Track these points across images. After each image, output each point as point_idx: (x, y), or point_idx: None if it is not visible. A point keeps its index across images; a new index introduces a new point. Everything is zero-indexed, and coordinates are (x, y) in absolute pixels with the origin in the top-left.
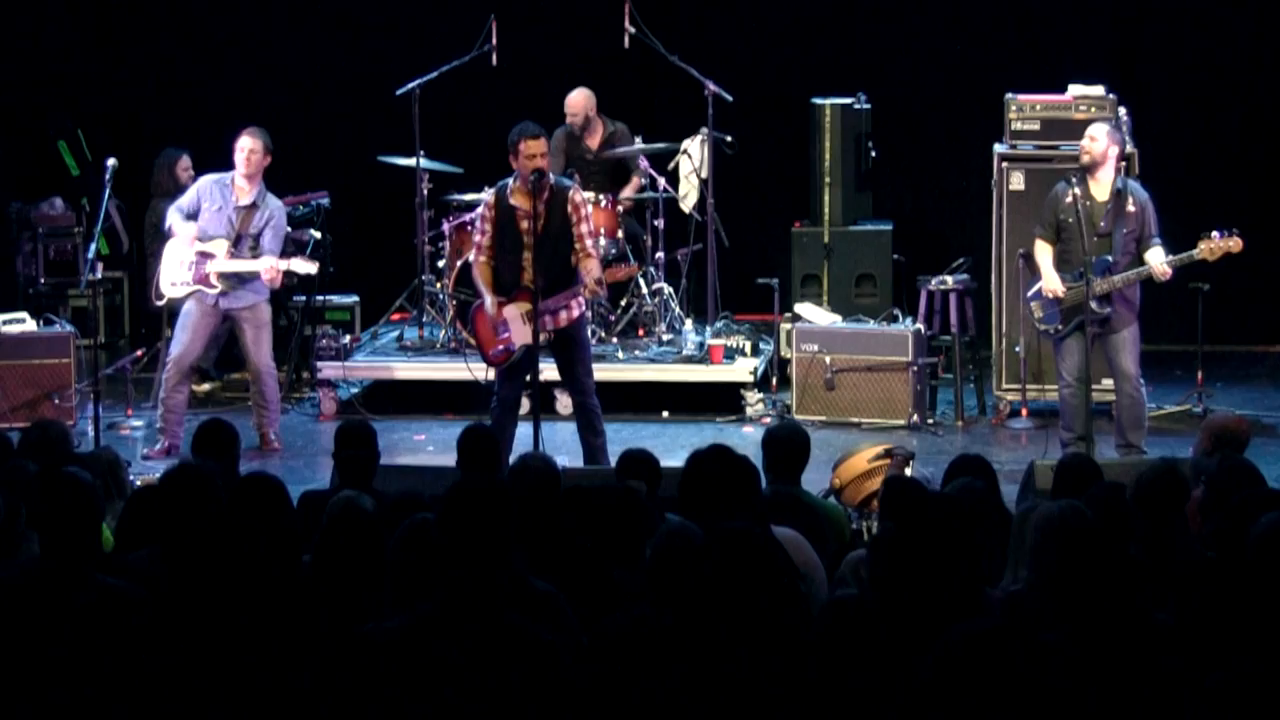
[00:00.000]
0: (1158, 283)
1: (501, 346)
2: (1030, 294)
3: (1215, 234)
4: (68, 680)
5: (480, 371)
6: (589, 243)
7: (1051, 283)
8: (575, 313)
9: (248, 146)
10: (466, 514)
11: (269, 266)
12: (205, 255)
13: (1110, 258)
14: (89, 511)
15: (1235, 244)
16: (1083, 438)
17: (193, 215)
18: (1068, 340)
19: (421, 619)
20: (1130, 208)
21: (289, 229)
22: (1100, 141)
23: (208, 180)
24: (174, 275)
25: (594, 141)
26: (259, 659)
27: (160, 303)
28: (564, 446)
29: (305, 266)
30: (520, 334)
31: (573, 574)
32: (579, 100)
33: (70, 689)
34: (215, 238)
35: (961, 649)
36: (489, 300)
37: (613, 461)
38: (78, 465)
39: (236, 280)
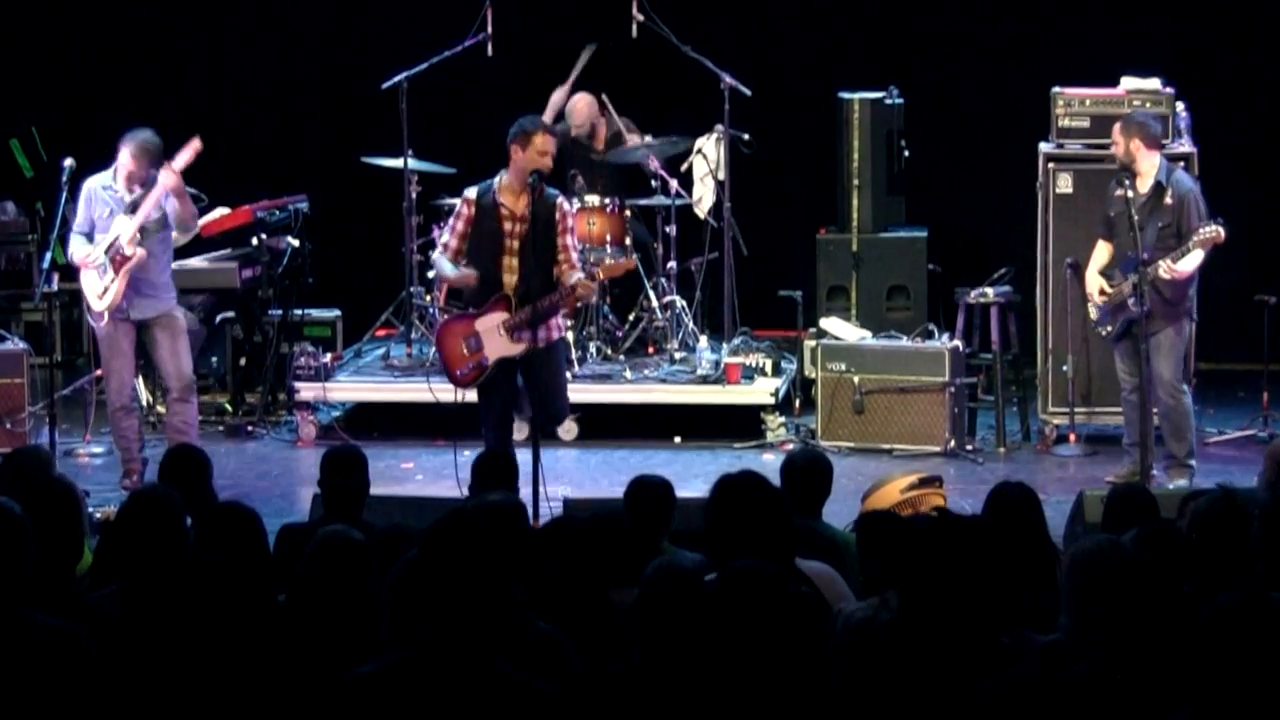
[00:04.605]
0: (1167, 282)
1: (473, 363)
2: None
3: (1207, 224)
4: None
5: (445, 393)
6: (574, 255)
7: (1090, 285)
8: (554, 335)
9: (126, 166)
10: (449, 550)
11: (164, 181)
12: (113, 241)
13: (1142, 254)
14: (16, 544)
15: (1216, 234)
16: (1137, 444)
17: (92, 228)
18: (1122, 343)
19: (403, 664)
20: (1168, 200)
21: (264, 235)
22: (1119, 143)
23: (90, 187)
24: (97, 286)
25: (599, 142)
26: (227, 708)
27: (102, 323)
28: (567, 475)
29: (185, 155)
30: (495, 347)
31: (565, 603)
32: (583, 110)
33: None
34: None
35: (1001, 699)
36: (458, 272)
37: (587, 469)
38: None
39: (147, 285)
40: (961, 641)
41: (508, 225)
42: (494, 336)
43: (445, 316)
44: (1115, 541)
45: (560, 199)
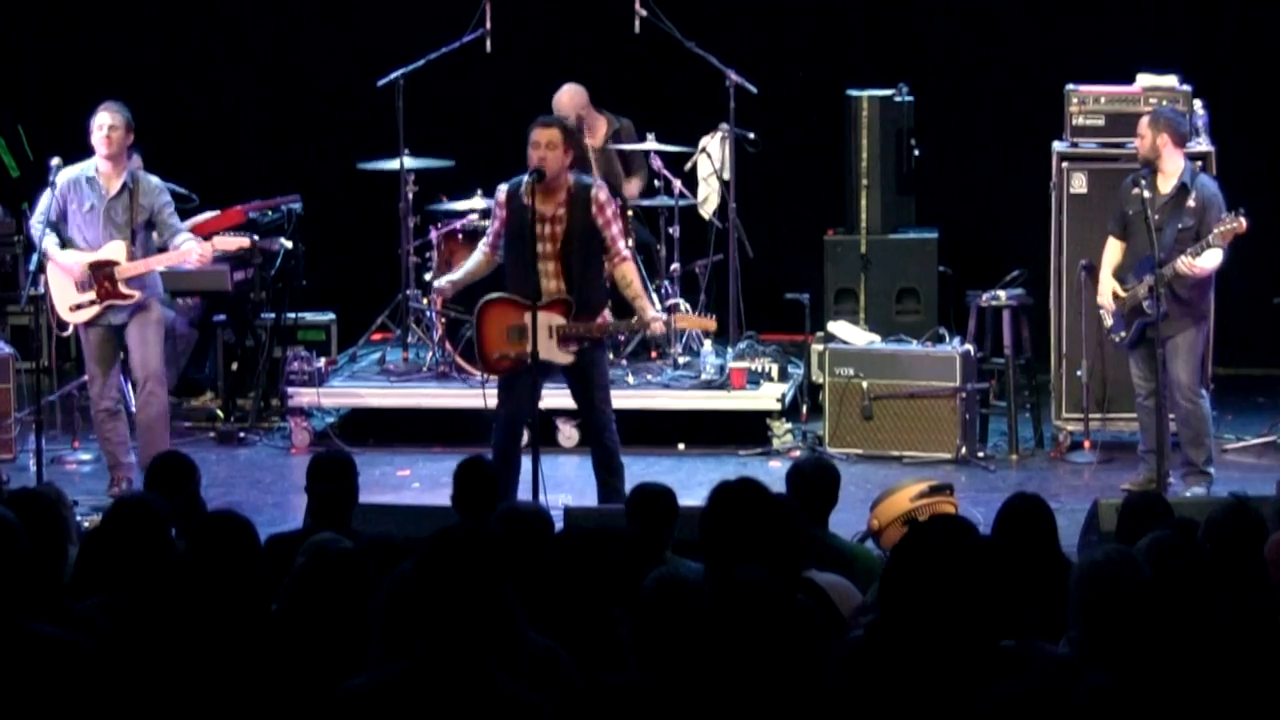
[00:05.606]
0: (1184, 282)
1: (512, 354)
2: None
3: (1228, 215)
4: None
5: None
6: (621, 245)
7: (1103, 289)
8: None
9: (106, 123)
10: (447, 564)
11: (193, 252)
12: (104, 264)
13: (1159, 256)
14: (10, 553)
15: (1238, 224)
16: (1153, 451)
17: (61, 221)
18: (1138, 349)
19: (397, 677)
20: (1190, 203)
21: (256, 237)
22: (1145, 137)
23: (66, 176)
24: (71, 298)
25: (595, 139)
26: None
27: (66, 333)
28: (567, 483)
29: (233, 242)
30: (545, 348)
31: (568, 620)
32: (565, 100)
33: None
34: (107, 240)
35: (1008, 707)
36: (448, 276)
37: None
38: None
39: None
40: (949, 652)
41: (539, 226)
42: (543, 336)
43: (442, 319)
44: (1126, 552)
45: (594, 188)
